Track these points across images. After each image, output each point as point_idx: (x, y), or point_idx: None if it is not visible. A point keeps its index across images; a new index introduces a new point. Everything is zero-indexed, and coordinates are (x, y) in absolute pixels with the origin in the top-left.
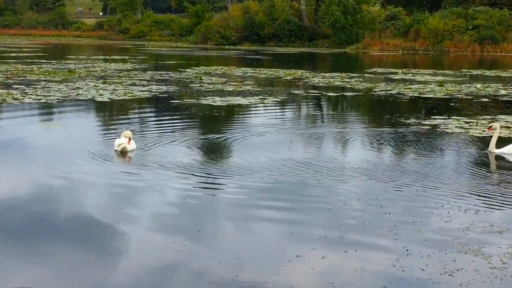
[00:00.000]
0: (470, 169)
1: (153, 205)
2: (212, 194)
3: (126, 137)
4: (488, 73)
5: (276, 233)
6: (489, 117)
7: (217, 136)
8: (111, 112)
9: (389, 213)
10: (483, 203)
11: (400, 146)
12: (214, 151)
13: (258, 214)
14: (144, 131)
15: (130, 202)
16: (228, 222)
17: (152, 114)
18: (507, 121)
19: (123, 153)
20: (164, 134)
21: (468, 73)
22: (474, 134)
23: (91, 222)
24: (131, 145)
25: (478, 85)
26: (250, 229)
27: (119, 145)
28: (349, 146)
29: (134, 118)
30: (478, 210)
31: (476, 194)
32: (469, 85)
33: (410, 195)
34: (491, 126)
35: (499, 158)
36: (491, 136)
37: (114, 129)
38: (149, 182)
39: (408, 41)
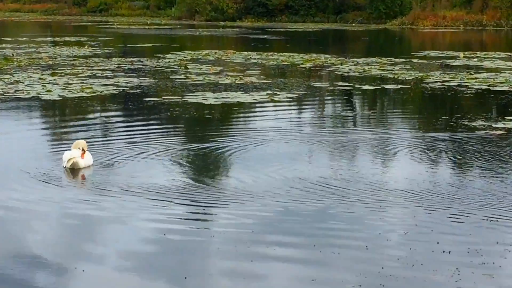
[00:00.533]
0: None
1: (119, 243)
2: (201, 228)
3: (79, 148)
4: None
5: (292, 280)
6: None
7: (208, 146)
8: (62, 115)
9: (449, 252)
10: None
11: (463, 158)
12: (203, 168)
13: (266, 254)
14: (107, 141)
15: (87, 238)
16: (224, 265)
17: (119, 118)
18: None
19: (74, 170)
20: (135, 145)
21: None
22: None
23: (35, 264)
24: (86, 160)
25: None
26: (255, 274)
27: (69, 160)
28: (391, 160)
29: (94, 123)
30: None
31: None
32: None
33: (477, 227)
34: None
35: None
36: None
37: (65, 138)
38: (112, 211)
39: (472, 13)
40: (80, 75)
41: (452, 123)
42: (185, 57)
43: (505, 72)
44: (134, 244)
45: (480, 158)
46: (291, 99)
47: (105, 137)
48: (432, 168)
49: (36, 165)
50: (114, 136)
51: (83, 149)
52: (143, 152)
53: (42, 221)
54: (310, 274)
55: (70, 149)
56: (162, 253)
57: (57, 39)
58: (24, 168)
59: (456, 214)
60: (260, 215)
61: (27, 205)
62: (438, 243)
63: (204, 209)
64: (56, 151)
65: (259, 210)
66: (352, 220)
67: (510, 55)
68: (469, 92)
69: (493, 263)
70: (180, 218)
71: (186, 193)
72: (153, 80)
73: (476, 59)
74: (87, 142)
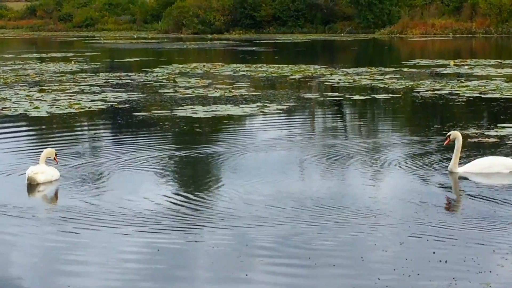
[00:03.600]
0: None
1: (102, 266)
2: (188, 248)
3: (50, 158)
4: None
5: None
6: None
7: (198, 160)
8: (50, 132)
9: (445, 261)
10: None
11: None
12: (193, 184)
13: (257, 280)
14: (96, 157)
15: (64, 264)
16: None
17: (108, 133)
18: None
19: (32, 185)
20: (124, 160)
21: None
22: None
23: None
24: (46, 175)
25: None
26: None
27: (28, 176)
28: (384, 172)
29: (82, 139)
30: None
31: None
32: None
33: (473, 235)
34: (449, 136)
35: (463, 179)
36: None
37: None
38: (80, 240)
39: (461, 21)
40: (68, 91)
41: (445, 131)
42: (173, 70)
43: (496, 80)
44: (117, 268)
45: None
46: (281, 111)
47: (94, 153)
48: (426, 179)
49: (18, 180)
50: (103, 152)
51: (53, 157)
52: (132, 168)
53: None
54: (305, 285)
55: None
56: (147, 274)
57: (43, 55)
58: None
59: (451, 223)
60: (250, 238)
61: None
62: (434, 252)
63: (185, 234)
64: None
65: (247, 232)
66: (346, 233)
67: (501, 62)
68: (460, 100)
69: (490, 271)
70: (159, 243)
71: (174, 212)
72: (142, 95)
73: (466, 67)
74: (56, 152)
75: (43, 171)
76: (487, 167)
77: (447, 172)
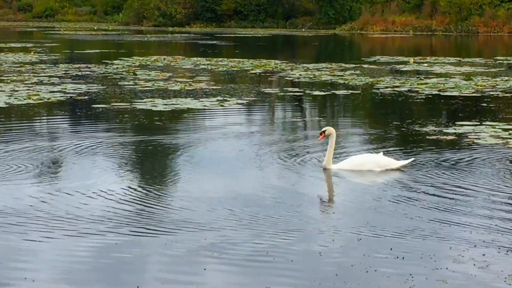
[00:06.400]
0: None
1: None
2: (134, 251)
3: None
4: None
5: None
6: None
7: (157, 154)
8: (8, 123)
9: (403, 258)
10: None
11: (416, 164)
12: (150, 177)
13: (210, 281)
14: (54, 148)
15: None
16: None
17: (67, 125)
18: None
19: None
20: (82, 152)
21: (505, 62)
22: None
23: None
24: None
25: None
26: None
27: None
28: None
29: (41, 130)
30: None
31: None
32: (506, 78)
33: (430, 232)
34: (323, 132)
35: (338, 175)
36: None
37: (11, 147)
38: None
39: (421, 18)
40: (27, 82)
41: (404, 129)
42: (133, 63)
43: (455, 77)
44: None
45: (433, 164)
46: (241, 105)
47: (51, 145)
48: (384, 176)
49: None
50: (60, 143)
51: None
52: (89, 161)
53: None
54: (247, 281)
55: None
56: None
57: (2, 45)
58: None
59: (408, 220)
60: (201, 233)
61: None
62: (391, 249)
63: (142, 228)
64: (2, 159)
65: (200, 227)
66: (299, 229)
67: (460, 60)
68: (419, 97)
69: (446, 268)
70: (114, 238)
71: (125, 209)
72: (101, 87)
73: (426, 65)
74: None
75: None
76: (359, 165)
77: (322, 168)
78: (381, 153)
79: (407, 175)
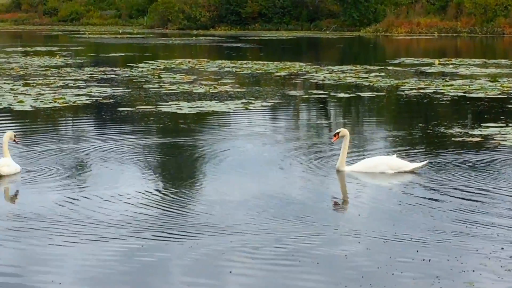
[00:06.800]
0: None
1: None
2: (160, 255)
3: (11, 139)
4: None
5: None
6: None
7: (182, 157)
8: (34, 126)
9: (429, 260)
10: None
11: (443, 166)
12: (176, 180)
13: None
14: (80, 151)
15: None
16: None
17: (92, 128)
18: None
19: None
20: (107, 155)
21: None
22: None
23: None
24: (10, 168)
25: None
26: None
27: None
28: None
29: (66, 133)
30: None
31: None
32: None
33: (455, 233)
34: (337, 133)
35: (352, 177)
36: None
37: (37, 150)
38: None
39: (446, 20)
40: (52, 85)
41: (429, 131)
42: (158, 66)
43: (480, 79)
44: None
45: (462, 166)
46: (265, 108)
47: (78, 148)
48: (410, 178)
49: None
50: (86, 147)
51: (14, 140)
52: (115, 164)
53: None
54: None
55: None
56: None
57: (28, 49)
58: None
59: (432, 222)
60: (227, 236)
61: None
62: (417, 251)
63: (167, 231)
64: (29, 162)
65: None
66: (322, 232)
67: (485, 62)
68: (444, 99)
69: (473, 271)
70: (139, 243)
71: (151, 213)
72: (126, 90)
73: (451, 66)
74: (15, 134)
75: (8, 164)
76: (372, 167)
77: (336, 170)
78: (395, 155)
79: (427, 177)
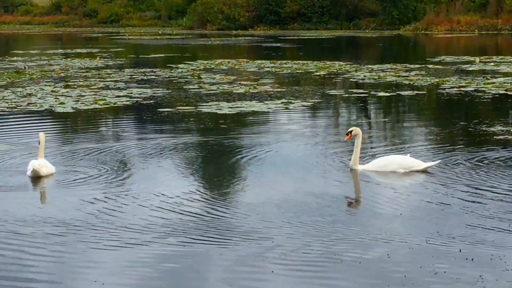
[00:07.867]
0: None
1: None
2: (198, 259)
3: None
4: None
5: None
6: None
7: (223, 157)
8: (76, 127)
9: (472, 259)
10: None
11: (486, 166)
12: (218, 182)
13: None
14: (121, 152)
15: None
16: None
17: (133, 129)
18: None
19: (35, 178)
20: (148, 156)
21: None
22: None
23: None
24: (48, 169)
25: None
26: None
27: (33, 169)
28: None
29: (107, 134)
30: None
31: None
32: None
33: (497, 232)
34: (350, 132)
35: (366, 176)
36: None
37: (80, 151)
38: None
39: (487, 17)
40: (93, 87)
41: (470, 129)
42: (198, 66)
43: None
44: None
45: (504, 167)
46: (306, 107)
47: (119, 148)
48: (454, 178)
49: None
50: (127, 148)
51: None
52: (156, 165)
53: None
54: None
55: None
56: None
57: (68, 51)
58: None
59: (473, 220)
60: (267, 239)
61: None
62: (460, 250)
63: (206, 234)
64: (70, 164)
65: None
66: (364, 232)
67: None
68: (486, 97)
69: None
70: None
71: (191, 216)
72: (167, 91)
73: (492, 64)
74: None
75: (46, 165)
76: (383, 166)
77: (349, 168)
78: (408, 154)
79: (465, 175)
